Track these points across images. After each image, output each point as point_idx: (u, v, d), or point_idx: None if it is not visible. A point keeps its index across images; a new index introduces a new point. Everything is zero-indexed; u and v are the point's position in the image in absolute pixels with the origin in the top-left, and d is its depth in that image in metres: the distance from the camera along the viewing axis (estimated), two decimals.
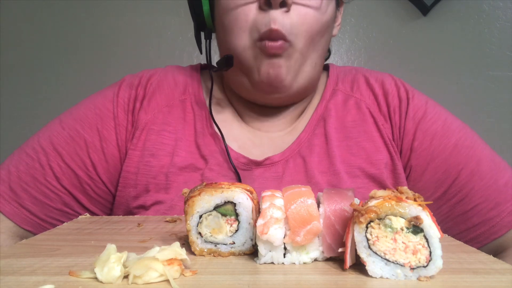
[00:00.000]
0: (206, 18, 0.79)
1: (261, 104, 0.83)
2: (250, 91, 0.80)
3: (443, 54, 1.60)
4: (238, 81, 0.80)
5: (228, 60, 0.75)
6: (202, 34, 0.83)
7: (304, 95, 0.84)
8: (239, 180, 0.76)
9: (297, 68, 0.75)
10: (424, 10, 1.58)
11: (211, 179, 0.75)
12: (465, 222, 0.75)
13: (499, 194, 0.74)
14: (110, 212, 0.83)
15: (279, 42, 0.71)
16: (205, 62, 0.88)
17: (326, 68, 0.91)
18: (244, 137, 0.83)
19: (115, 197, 0.80)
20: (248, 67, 0.75)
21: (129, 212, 0.78)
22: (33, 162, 0.76)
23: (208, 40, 0.83)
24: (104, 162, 0.78)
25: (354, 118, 0.81)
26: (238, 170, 0.77)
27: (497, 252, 0.74)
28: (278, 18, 0.70)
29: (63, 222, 0.74)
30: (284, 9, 0.71)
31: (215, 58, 0.81)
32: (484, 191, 0.74)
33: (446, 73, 1.60)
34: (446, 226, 0.77)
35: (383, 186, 0.77)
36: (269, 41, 0.71)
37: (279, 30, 0.70)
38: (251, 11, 0.72)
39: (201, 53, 0.85)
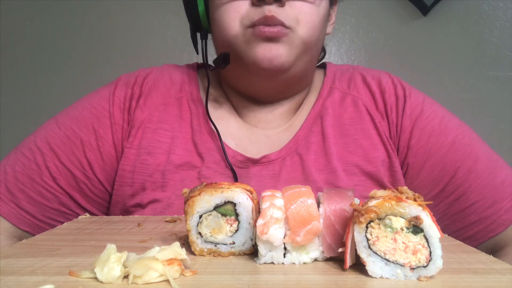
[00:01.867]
0: (202, 18, 0.79)
1: (257, 94, 0.82)
2: (246, 78, 0.79)
3: (443, 54, 1.60)
4: (233, 70, 0.79)
5: (224, 58, 0.75)
6: (199, 35, 0.83)
7: (298, 87, 0.84)
8: (235, 178, 0.76)
9: (298, 53, 0.74)
10: (424, 10, 1.58)
11: (208, 177, 0.75)
12: (462, 220, 0.76)
13: (496, 192, 0.74)
14: (107, 211, 0.83)
15: (277, 27, 0.69)
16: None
17: (323, 66, 0.91)
18: (241, 134, 0.82)
19: (111, 196, 0.80)
20: (241, 51, 0.73)
21: (126, 210, 0.78)
22: (29, 162, 0.76)
23: (204, 41, 0.82)
24: (100, 161, 0.78)
25: (351, 115, 0.81)
26: (235, 168, 0.77)
27: (494, 250, 0.74)
28: (273, 9, 0.69)
29: (60, 222, 0.75)
30: (278, 4, 0.70)
31: (212, 58, 0.81)
32: (481, 189, 0.74)
33: (446, 73, 1.60)
34: (443, 224, 0.77)
35: (380, 184, 0.77)
36: (265, 26, 0.69)
37: (275, 17, 0.69)
38: (243, 6, 0.72)
39: (197, 53, 0.85)
